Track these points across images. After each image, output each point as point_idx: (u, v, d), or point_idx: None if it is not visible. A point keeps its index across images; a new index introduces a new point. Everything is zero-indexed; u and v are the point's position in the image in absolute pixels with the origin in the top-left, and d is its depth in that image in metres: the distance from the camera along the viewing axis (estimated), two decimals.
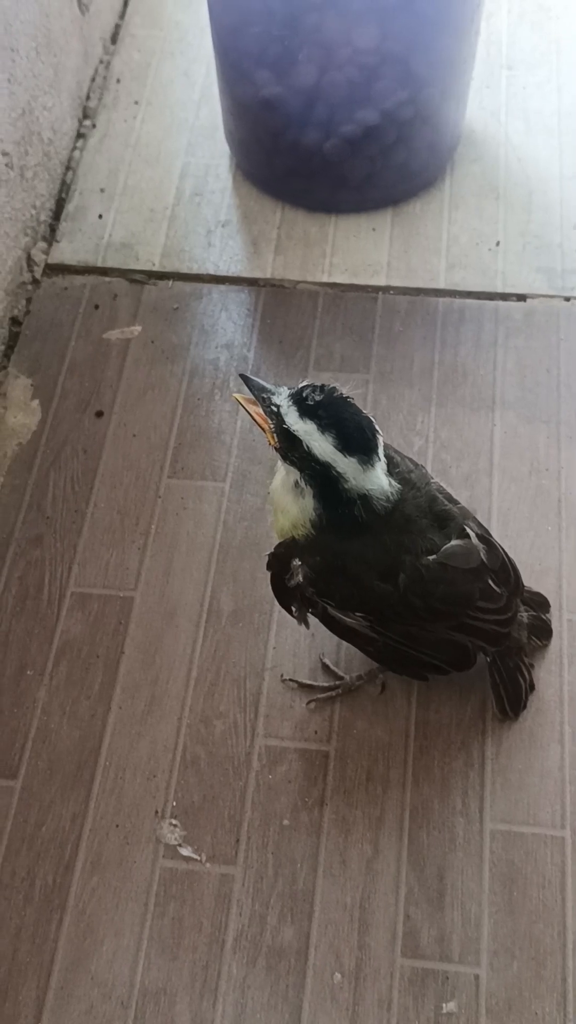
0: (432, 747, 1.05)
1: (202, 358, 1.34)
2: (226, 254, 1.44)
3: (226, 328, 1.37)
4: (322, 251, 1.44)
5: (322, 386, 0.85)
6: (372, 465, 0.86)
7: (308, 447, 0.84)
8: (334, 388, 0.85)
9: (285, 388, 0.87)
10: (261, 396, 0.87)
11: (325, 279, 1.41)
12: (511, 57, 1.67)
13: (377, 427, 0.86)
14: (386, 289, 1.41)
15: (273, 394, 0.87)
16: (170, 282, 1.42)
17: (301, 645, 1.12)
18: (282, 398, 0.86)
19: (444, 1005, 0.93)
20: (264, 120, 1.40)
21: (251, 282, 1.42)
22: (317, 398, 0.84)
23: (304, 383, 0.86)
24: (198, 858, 1.00)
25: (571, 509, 1.20)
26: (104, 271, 1.43)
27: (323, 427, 0.84)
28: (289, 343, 1.36)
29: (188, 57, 1.68)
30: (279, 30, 1.30)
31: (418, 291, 1.40)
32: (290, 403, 0.85)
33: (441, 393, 1.30)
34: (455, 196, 1.50)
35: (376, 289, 1.40)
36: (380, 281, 1.41)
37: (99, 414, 1.29)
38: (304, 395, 0.85)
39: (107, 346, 1.35)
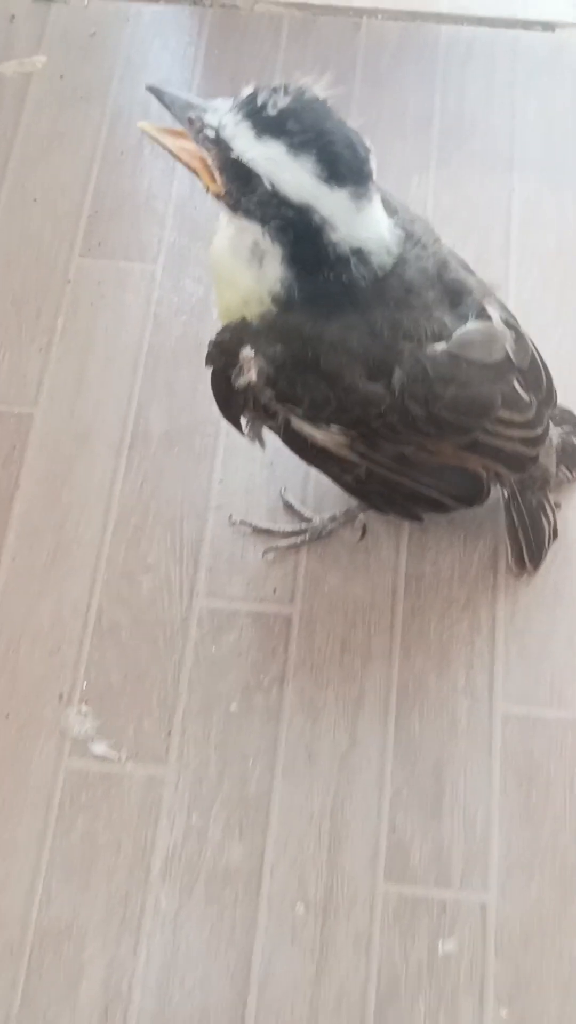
0: (427, 608, 0.93)
1: (128, 100, 1.16)
2: None
3: (160, 60, 1.20)
4: None
5: (285, 86, 0.67)
6: (369, 200, 0.70)
7: (273, 184, 0.67)
8: (302, 89, 0.67)
9: (221, 100, 0.69)
10: (187, 117, 0.69)
11: None
12: None
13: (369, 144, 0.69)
14: (372, 12, 1.22)
15: (205, 111, 0.69)
16: (86, 0, 1.23)
17: (257, 478, 0.99)
18: (222, 114, 0.68)
19: (440, 943, 0.80)
20: None
21: (193, 0, 1.22)
22: (282, 104, 0.67)
23: (251, 88, 0.68)
24: (116, 756, 0.87)
25: None
26: None
27: (295, 147, 0.66)
28: (243, 81, 1.09)
29: None
30: None
31: (414, 16, 1.22)
32: (239, 118, 0.68)
33: (443, 149, 1.14)
34: None
35: (359, 12, 1.22)
36: (364, 2, 1.22)
37: None
38: (260, 103, 0.67)
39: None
